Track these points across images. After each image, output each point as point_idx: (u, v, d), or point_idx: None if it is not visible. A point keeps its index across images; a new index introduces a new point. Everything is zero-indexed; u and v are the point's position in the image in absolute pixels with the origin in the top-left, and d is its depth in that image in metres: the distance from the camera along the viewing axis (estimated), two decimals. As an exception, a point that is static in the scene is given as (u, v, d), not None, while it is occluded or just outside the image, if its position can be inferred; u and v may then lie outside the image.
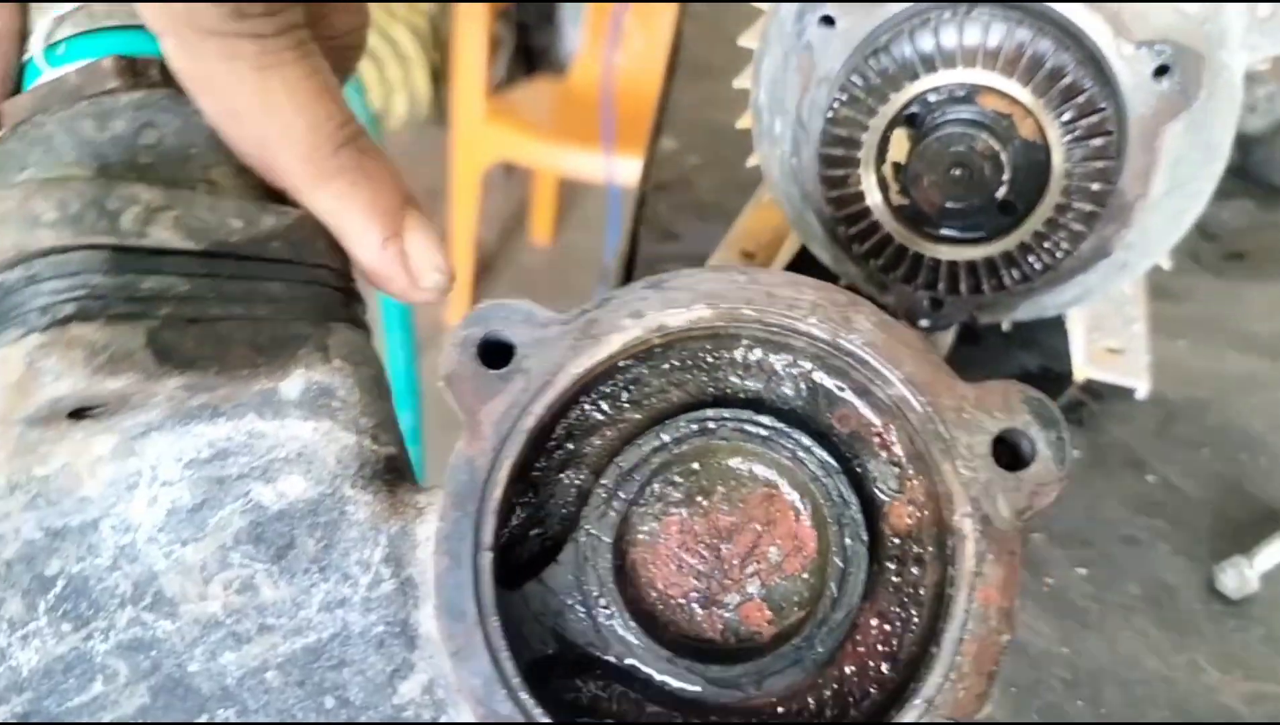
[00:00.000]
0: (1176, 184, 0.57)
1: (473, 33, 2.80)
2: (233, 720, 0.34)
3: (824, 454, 0.38)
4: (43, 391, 0.33)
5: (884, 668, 0.37)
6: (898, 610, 0.38)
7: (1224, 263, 0.83)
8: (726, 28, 0.68)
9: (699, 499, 0.39)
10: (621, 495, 0.38)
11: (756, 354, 0.39)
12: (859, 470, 0.39)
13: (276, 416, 0.35)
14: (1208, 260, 0.83)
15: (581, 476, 0.39)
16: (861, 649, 0.38)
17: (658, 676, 0.37)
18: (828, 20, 0.57)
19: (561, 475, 0.39)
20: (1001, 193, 0.55)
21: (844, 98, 0.55)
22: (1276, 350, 0.74)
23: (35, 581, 0.33)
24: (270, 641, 0.35)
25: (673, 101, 1.00)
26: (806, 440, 0.38)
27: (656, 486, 0.39)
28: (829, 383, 0.39)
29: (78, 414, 0.34)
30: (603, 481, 0.38)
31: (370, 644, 0.35)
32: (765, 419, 0.38)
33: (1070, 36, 0.53)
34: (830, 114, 0.56)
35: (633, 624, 0.37)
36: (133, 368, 0.34)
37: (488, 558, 0.35)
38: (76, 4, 0.39)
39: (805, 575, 0.38)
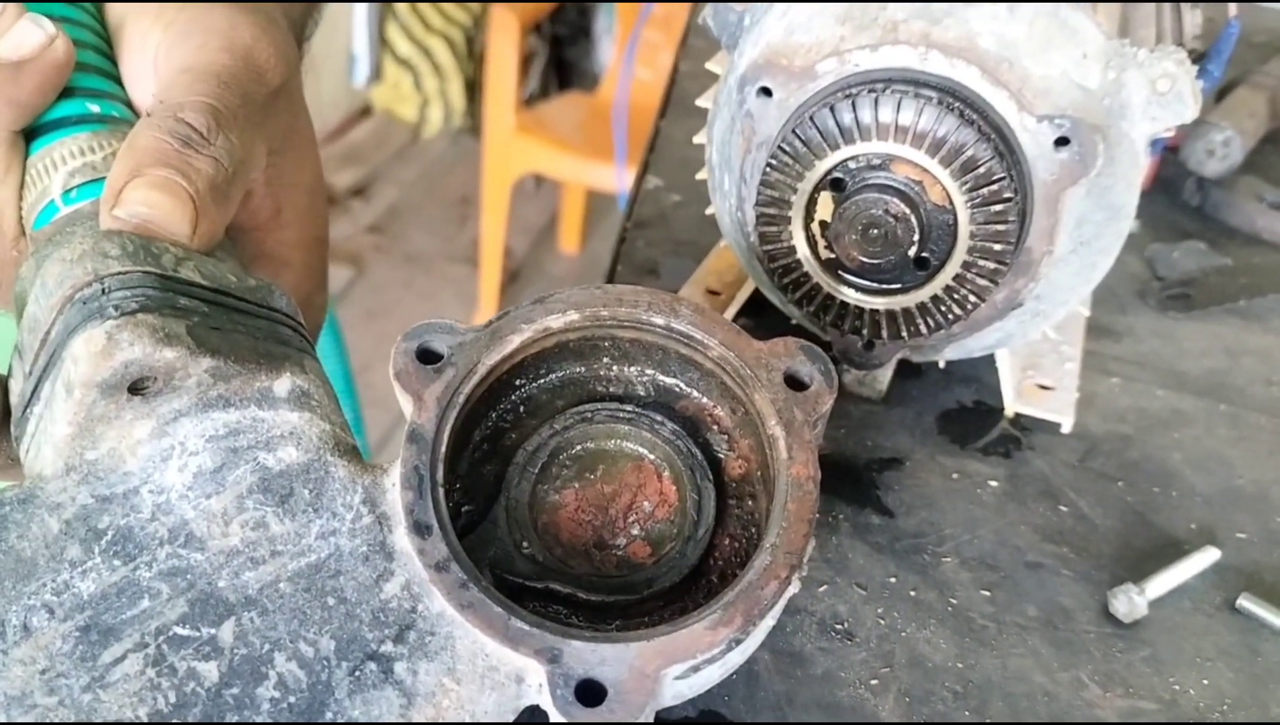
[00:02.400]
0: (1081, 242, 0.63)
1: (505, 47, 2.87)
2: (256, 619, 0.42)
3: (674, 424, 0.51)
4: (119, 355, 0.42)
5: (738, 573, 0.47)
6: (741, 531, 0.50)
7: (1168, 302, 0.87)
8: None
9: (587, 475, 0.51)
10: (530, 470, 0.50)
11: (615, 369, 0.52)
12: (701, 440, 0.52)
13: (272, 407, 0.45)
14: (1153, 299, 0.88)
15: (496, 468, 0.51)
16: (720, 561, 0.50)
17: (572, 592, 0.48)
18: (766, 91, 0.63)
19: (483, 469, 0.51)
20: (914, 250, 0.61)
21: (776, 162, 0.62)
22: (1203, 389, 0.78)
23: (90, 533, 0.43)
24: (280, 562, 0.44)
25: (661, 139, 1.06)
26: (659, 416, 0.51)
27: (554, 469, 0.50)
28: (669, 382, 0.53)
29: (134, 389, 0.44)
30: (515, 461, 0.50)
31: (358, 559, 0.44)
32: (628, 407, 0.51)
33: (977, 111, 0.58)
34: (765, 175, 0.62)
35: (551, 557, 0.48)
36: (181, 344, 0.44)
37: (440, 491, 0.45)
38: (82, 159, 0.50)
39: (672, 518, 0.50)
